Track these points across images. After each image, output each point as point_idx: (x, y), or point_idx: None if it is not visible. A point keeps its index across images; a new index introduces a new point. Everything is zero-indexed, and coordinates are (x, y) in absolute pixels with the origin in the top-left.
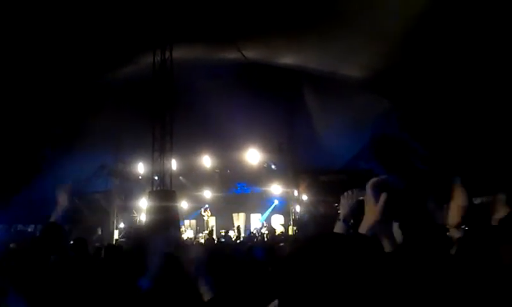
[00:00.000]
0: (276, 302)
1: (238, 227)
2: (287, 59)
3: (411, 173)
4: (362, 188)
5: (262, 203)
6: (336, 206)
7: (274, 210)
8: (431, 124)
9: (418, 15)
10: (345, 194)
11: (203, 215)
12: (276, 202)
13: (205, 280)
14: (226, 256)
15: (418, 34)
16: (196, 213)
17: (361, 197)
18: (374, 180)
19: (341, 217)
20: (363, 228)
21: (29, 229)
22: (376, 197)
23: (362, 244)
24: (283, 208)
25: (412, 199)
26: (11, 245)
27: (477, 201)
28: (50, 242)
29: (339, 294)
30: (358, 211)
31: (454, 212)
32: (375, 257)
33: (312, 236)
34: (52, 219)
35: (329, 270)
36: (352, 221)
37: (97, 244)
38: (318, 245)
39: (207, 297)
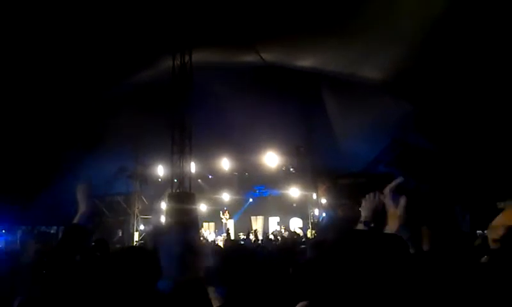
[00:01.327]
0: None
1: (255, 230)
2: (306, 61)
3: (432, 177)
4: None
5: (280, 206)
6: (357, 209)
7: (293, 213)
8: (453, 127)
9: (438, 16)
10: (367, 196)
11: (222, 218)
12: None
13: (216, 287)
14: (246, 258)
15: (439, 36)
16: (214, 216)
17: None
18: (391, 185)
19: (362, 219)
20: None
21: (52, 231)
22: (395, 201)
23: (392, 242)
24: (302, 211)
25: (438, 205)
26: (36, 245)
27: (501, 205)
28: (73, 243)
29: (372, 288)
30: (379, 214)
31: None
32: (403, 255)
33: (341, 236)
34: (75, 221)
35: (363, 266)
36: (373, 224)
37: (118, 245)
38: (349, 243)
39: (216, 303)
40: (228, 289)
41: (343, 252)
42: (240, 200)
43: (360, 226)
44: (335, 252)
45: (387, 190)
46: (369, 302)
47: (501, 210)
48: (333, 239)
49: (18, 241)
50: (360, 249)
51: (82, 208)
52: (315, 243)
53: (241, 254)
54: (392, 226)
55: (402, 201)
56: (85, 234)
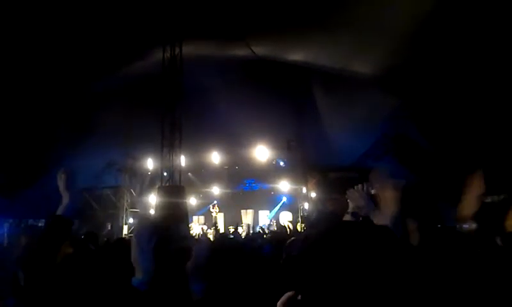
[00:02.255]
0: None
1: (248, 225)
2: (297, 55)
3: (422, 170)
4: (372, 183)
5: (270, 200)
6: (346, 202)
7: (283, 207)
8: (441, 122)
9: (429, 11)
10: (355, 188)
11: (212, 212)
12: (284, 199)
13: (198, 283)
14: (236, 251)
15: (429, 31)
16: (204, 210)
17: (372, 192)
18: (387, 171)
19: (350, 210)
20: (379, 220)
21: (40, 224)
22: (392, 184)
23: (381, 234)
24: (292, 205)
25: (425, 197)
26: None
27: (487, 200)
28: (57, 235)
29: (362, 281)
30: (367, 205)
31: (469, 203)
32: (393, 247)
33: (330, 227)
34: (58, 212)
35: (352, 258)
36: (361, 215)
37: (106, 239)
38: (338, 234)
39: (195, 297)
40: (207, 285)
41: (331, 245)
42: (230, 193)
43: (348, 217)
44: (323, 244)
45: (381, 175)
46: (357, 294)
47: (487, 204)
48: (321, 231)
49: (5, 234)
50: (348, 241)
51: (65, 199)
52: (305, 237)
53: (229, 249)
54: (384, 213)
55: (400, 184)
56: (68, 225)
